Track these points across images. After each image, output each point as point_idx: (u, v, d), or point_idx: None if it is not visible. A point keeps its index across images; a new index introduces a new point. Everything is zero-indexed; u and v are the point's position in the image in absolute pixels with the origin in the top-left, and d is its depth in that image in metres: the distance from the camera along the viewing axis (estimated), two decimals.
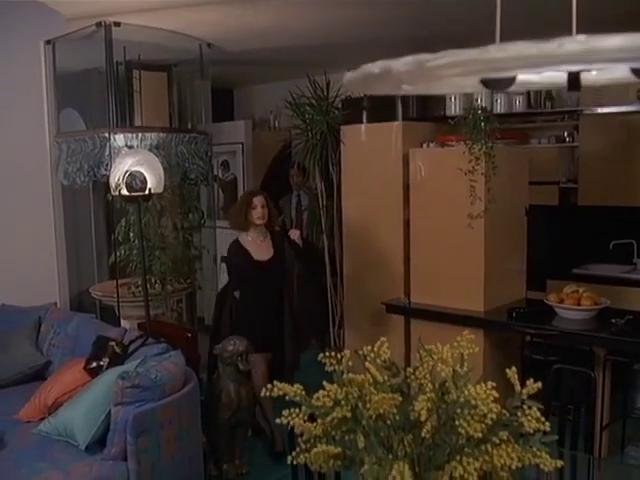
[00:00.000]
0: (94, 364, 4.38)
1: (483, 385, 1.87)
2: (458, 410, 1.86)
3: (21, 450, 3.91)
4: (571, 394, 3.31)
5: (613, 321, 4.50)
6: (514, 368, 1.93)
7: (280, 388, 1.96)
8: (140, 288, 5.40)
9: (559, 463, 1.86)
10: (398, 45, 6.25)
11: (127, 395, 3.75)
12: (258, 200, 5.08)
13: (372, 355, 2.02)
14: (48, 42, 5.62)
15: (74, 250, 6.21)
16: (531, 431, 1.88)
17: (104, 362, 4.36)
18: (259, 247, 5.13)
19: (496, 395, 1.85)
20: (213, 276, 7.34)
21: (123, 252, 5.60)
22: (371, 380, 1.93)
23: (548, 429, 1.89)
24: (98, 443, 3.88)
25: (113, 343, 4.48)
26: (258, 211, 5.05)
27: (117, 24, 5.15)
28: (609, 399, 4.70)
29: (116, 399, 3.78)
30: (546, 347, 4.70)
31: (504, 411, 1.93)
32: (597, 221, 6.13)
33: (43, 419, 4.18)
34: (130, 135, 5.30)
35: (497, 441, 1.86)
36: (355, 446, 1.93)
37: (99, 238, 6.66)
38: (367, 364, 1.99)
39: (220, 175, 7.98)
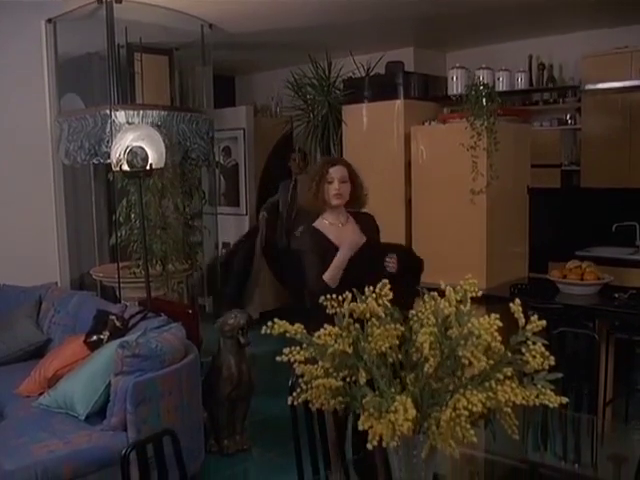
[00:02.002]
0: (94, 338, 4.36)
1: (487, 317, 1.86)
2: (462, 342, 1.85)
3: (21, 421, 3.90)
4: (575, 357, 3.29)
5: (616, 295, 4.48)
6: (518, 300, 1.92)
7: (280, 325, 1.94)
8: (141, 268, 5.38)
9: (564, 399, 1.83)
10: (401, 25, 6.30)
11: (127, 364, 3.72)
12: (336, 172, 3.70)
13: (374, 295, 2.00)
14: (49, 21, 5.60)
15: (75, 232, 6.19)
16: (537, 366, 1.86)
17: (104, 336, 4.34)
18: (341, 233, 3.74)
19: (500, 324, 1.84)
20: (215, 263, 7.33)
21: (124, 233, 5.58)
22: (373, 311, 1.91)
23: (553, 363, 1.87)
24: (98, 415, 3.86)
25: (113, 317, 4.46)
26: (334, 187, 3.69)
27: (118, 0, 5.12)
28: (612, 376, 4.67)
29: (116, 368, 3.75)
30: (549, 323, 4.67)
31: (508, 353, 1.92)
32: (599, 203, 6.08)
33: (43, 394, 4.15)
34: (131, 112, 5.27)
35: (501, 377, 1.84)
36: (356, 386, 1.90)
37: (100, 220, 6.65)
38: (369, 300, 1.96)
39: (222, 161, 7.95)
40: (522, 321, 1.91)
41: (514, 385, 1.82)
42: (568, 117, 6.52)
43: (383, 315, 1.93)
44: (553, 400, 1.82)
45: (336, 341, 1.88)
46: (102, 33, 5.39)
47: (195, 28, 5.94)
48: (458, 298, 1.97)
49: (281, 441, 4.66)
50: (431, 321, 1.89)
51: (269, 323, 1.93)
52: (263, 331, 1.95)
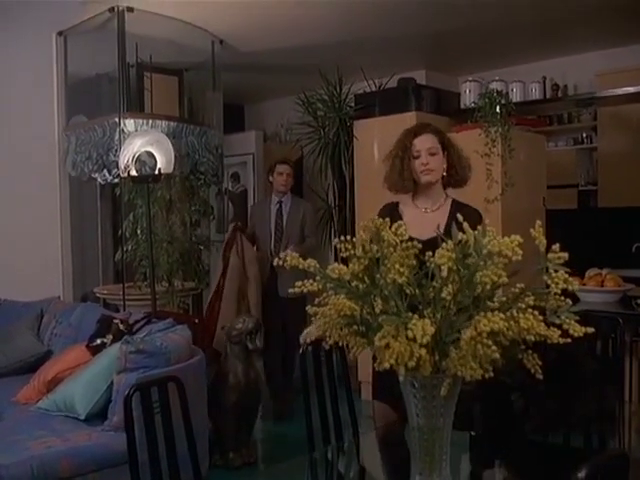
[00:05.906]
0: (97, 341, 4.22)
1: (507, 238, 1.77)
2: (481, 262, 1.73)
3: (18, 422, 3.79)
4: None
5: (639, 302, 4.33)
6: (539, 222, 1.82)
7: (293, 258, 1.83)
8: (146, 283, 5.25)
9: (590, 329, 1.71)
10: (413, 48, 6.28)
11: (131, 361, 3.60)
12: (423, 142, 3.04)
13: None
14: (60, 34, 5.59)
15: (79, 251, 6.08)
16: (558, 291, 1.76)
17: (108, 339, 4.20)
18: (423, 219, 3.03)
19: (521, 240, 1.74)
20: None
21: (130, 248, 5.47)
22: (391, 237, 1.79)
23: (576, 287, 1.76)
24: (99, 418, 3.73)
25: (118, 321, 4.33)
26: (422, 161, 3.03)
27: (130, 9, 5.11)
28: (637, 385, 4.47)
29: (119, 365, 3.62)
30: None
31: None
32: (618, 223, 5.97)
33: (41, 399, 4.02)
34: (140, 121, 5.21)
35: (523, 306, 1.72)
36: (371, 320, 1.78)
37: (105, 241, 6.56)
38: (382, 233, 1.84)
39: (230, 187, 7.85)
40: (543, 245, 1.81)
41: (536, 313, 1.72)
42: (584, 136, 6.43)
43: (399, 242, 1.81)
44: (578, 330, 1.70)
45: (352, 261, 1.78)
46: (113, 48, 5.35)
47: (205, 46, 5.92)
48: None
49: (289, 455, 4.47)
50: (449, 246, 1.77)
51: (281, 254, 1.84)
52: (275, 262, 1.85)
